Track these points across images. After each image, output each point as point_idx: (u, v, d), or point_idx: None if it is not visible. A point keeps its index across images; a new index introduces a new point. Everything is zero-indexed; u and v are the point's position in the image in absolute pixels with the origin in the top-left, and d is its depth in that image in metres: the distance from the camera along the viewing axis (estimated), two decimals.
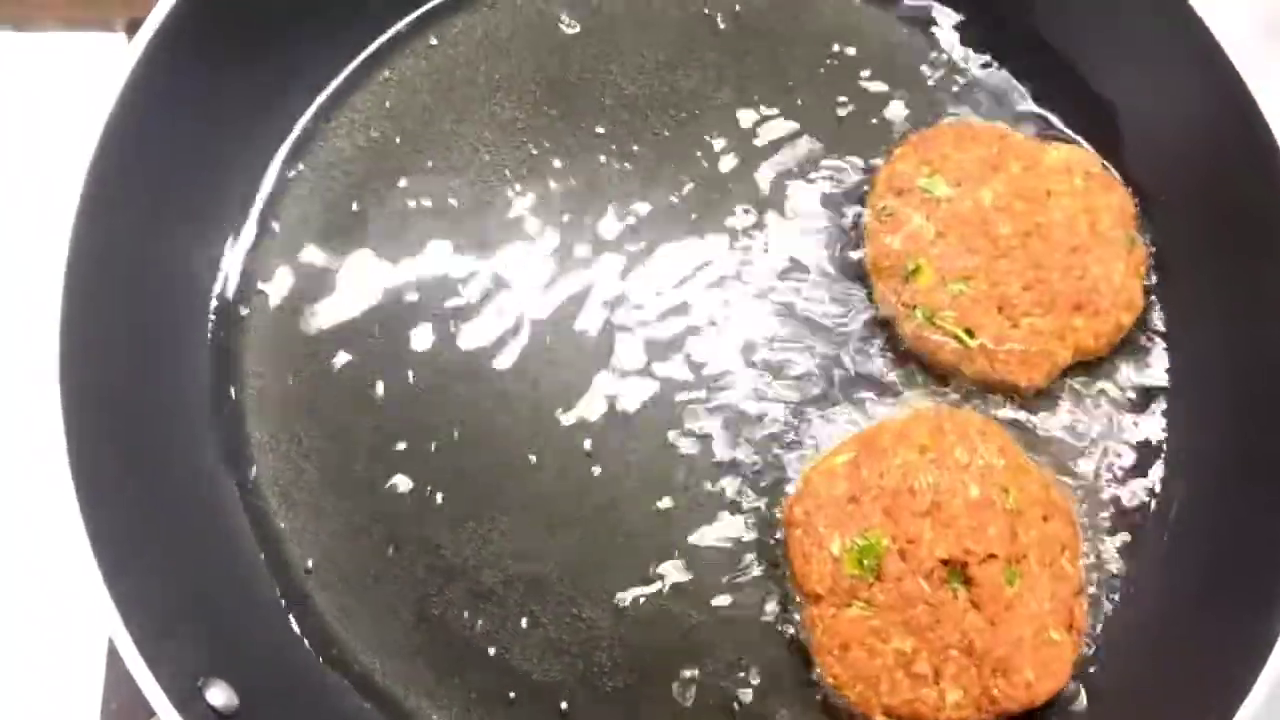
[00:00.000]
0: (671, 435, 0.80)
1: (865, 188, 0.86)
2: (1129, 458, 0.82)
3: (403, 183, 0.85)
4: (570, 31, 0.89)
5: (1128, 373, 0.83)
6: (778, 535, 0.79)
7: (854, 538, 0.75)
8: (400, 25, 0.89)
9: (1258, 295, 0.79)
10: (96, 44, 0.98)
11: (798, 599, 0.77)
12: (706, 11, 0.90)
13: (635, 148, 0.86)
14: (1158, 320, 0.84)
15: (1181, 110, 0.82)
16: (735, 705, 0.76)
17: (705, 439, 0.80)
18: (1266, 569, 0.72)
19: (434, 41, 0.89)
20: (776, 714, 0.76)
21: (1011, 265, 0.80)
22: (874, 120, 0.87)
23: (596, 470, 0.80)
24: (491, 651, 0.77)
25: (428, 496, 0.79)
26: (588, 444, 0.80)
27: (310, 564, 0.78)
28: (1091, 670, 0.77)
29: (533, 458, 0.80)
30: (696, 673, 0.77)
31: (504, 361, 0.82)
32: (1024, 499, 0.76)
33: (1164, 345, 0.84)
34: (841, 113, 0.88)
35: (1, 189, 0.91)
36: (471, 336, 0.82)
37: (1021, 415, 0.82)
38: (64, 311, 0.68)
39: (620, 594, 0.77)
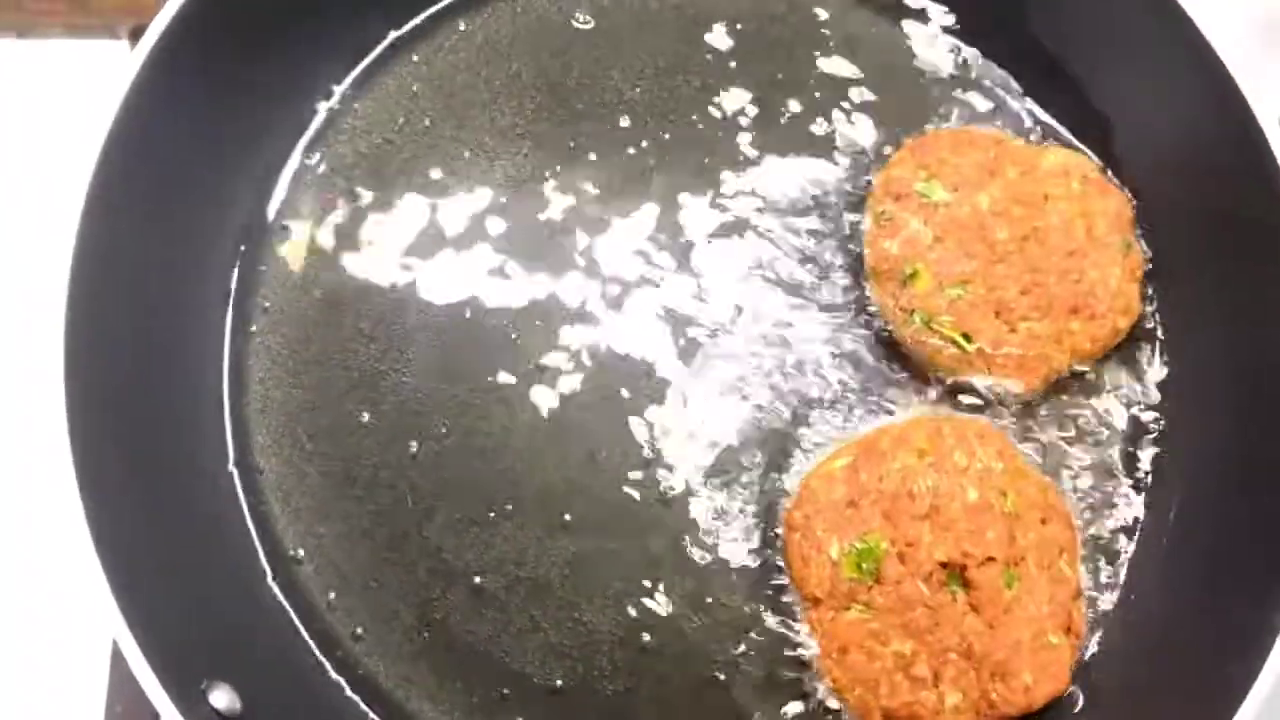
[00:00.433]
0: (674, 440, 0.81)
1: (863, 193, 0.86)
2: (1126, 461, 0.82)
3: (405, 188, 0.86)
4: (574, 32, 0.89)
5: (1124, 376, 0.84)
6: (778, 540, 0.79)
7: (853, 541, 0.75)
8: (401, 32, 0.89)
9: (1254, 298, 0.79)
10: (100, 51, 0.99)
11: (797, 603, 0.78)
12: (706, 18, 0.90)
13: (633, 153, 0.87)
14: (1154, 324, 0.85)
15: (1176, 114, 0.83)
16: (735, 708, 0.76)
17: (707, 445, 0.81)
18: (1264, 571, 0.72)
19: (435, 48, 0.89)
20: (778, 717, 0.76)
21: (1009, 270, 0.81)
22: (872, 126, 0.88)
23: (599, 475, 0.80)
24: (493, 654, 0.77)
25: (431, 501, 0.79)
26: (591, 449, 0.81)
27: (313, 567, 0.78)
28: (1090, 673, 0.78)
29: (536, 463, 0.80)
30: (697, 676, 0.77)
31: (507, 368, 0.82)
32: (1022, 502, 0.76)
33: (1160, 348, 0.85)
34: (839, 118, 0.88)
35: (6, 195, 0.92)
36: (476, 342, 0.82)
37: (1020, 419, 0.82)
38: (68, 315, 0.69)
39: (621, 598, 0.78)
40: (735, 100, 0.88)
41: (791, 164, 0.87)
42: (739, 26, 0.90)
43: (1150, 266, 0.85)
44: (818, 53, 0.90)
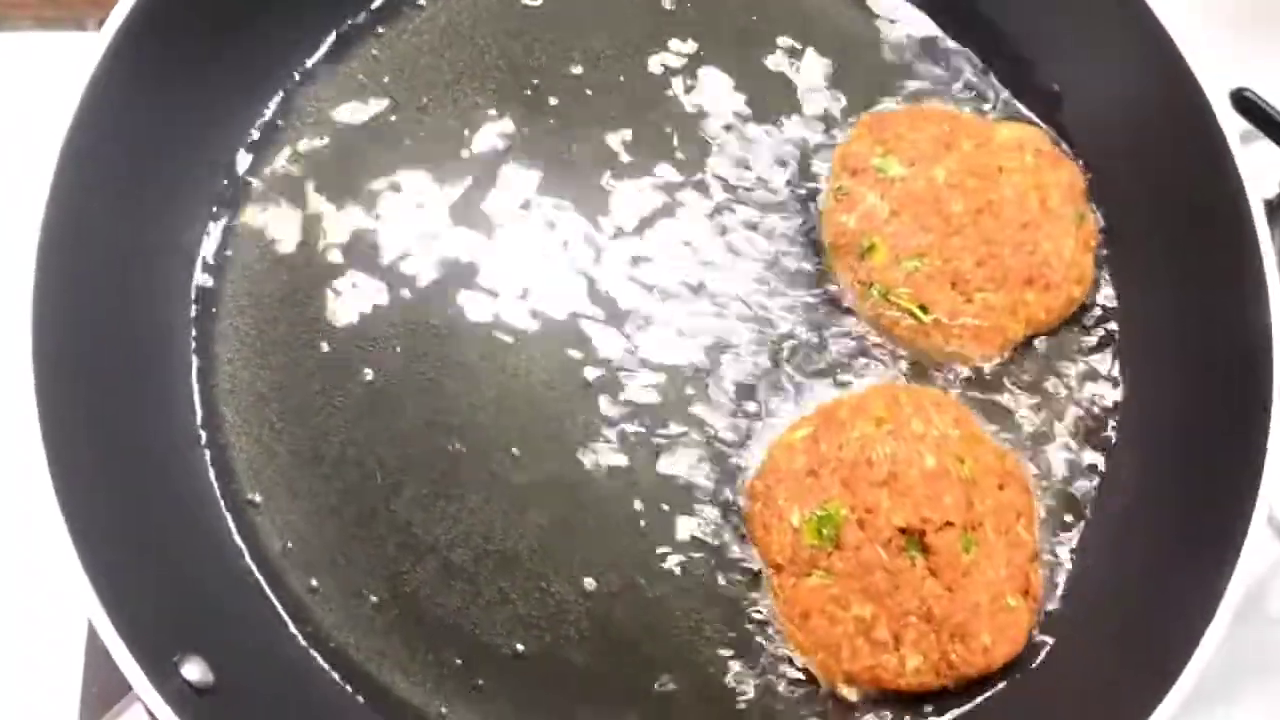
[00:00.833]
0: (634, 412, 0.82)
1: (820, 168, 0.87)
2: (1082, 427, 0.84)
3: (369, 170, 0.87)
4: (535, 12, 0.90)
5: (1080, 344, 0.86)
6: (739, 510, 0.80)
7: (813, 509, 0.77)
8: (362, 16, 0.90)
9: (1205, 267, 0.81)
10: (69, 43, 0.99)
11: (760, 570, 0.79)
12: None
13: (595, 131, 0.88)
14: (1108, 293, 0.87)
15: (1127, 88, 0.84)
16: (702, 678, 0.78)
17: (667, 417, 0.82)
18: (1215, 533, 0.74)
19: (398, 30, 0.90)
20: (742, 684, 0.78)
21: (964, 242, 0.82)
22: (828, 102, 0.89)
23: (562, 448, 0.81)
24: (463, 626, 0.78)
25: (398, 476, 0.81)
26: (554, 423, 0.82)
27: (283, 543, 0.80)
28: (1046, 635, 0.79)
29: (502, 437, 0.81)
30: (664, 645, 0.78)
31: (474, 343, 0.83)
32: (979, 468, 0.78)
33: (1115, 317, 0.86)
34: (797, 96, 0.89)
35: None
36: (442, 320, 0.83)
37: (976, 388, 0.84)
38: (35, 299, 0.70)
39: (587, 569, 0.79)
40: (695, 77, 0.89)
41: (750, 140, 0.88)
42: (697, 4, 0.91)
43: (1104, 237, 0.87)
44: (776, 32, 0.91)
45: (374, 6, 0.90)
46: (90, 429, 0.72)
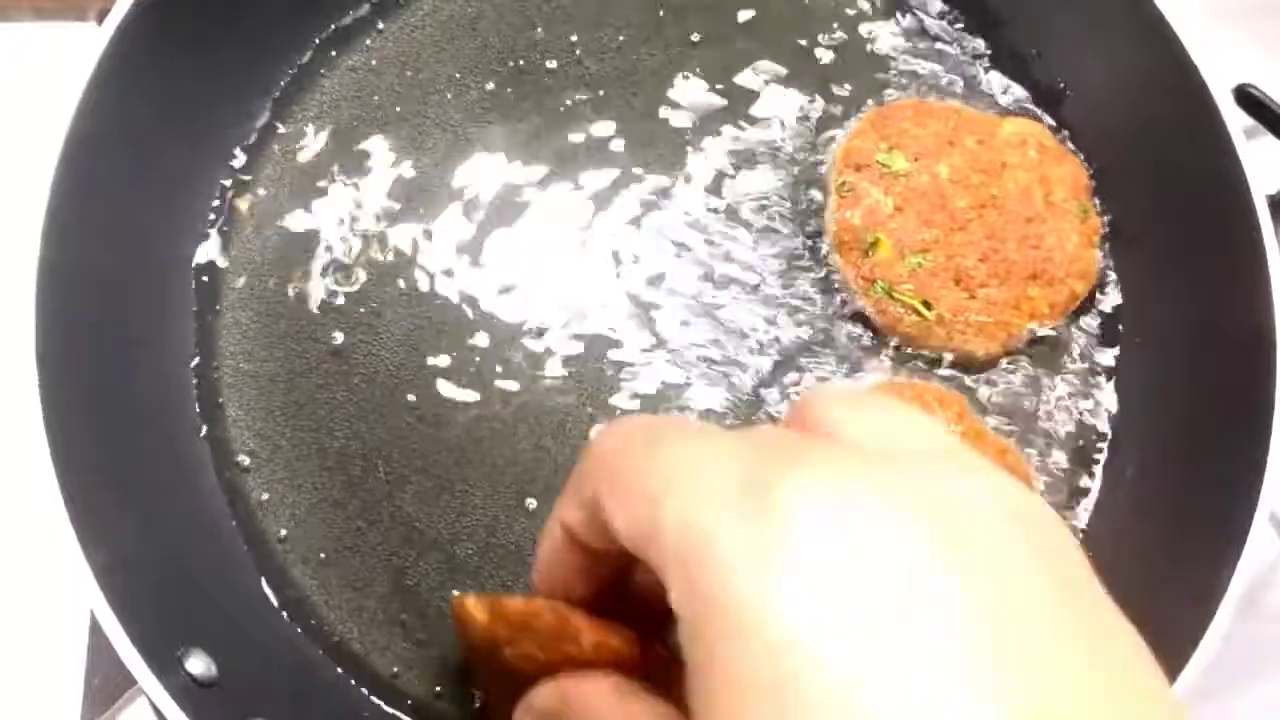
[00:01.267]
0: (640, 409, 0.82)
1: (824, 163, 0.87)
2: (1085, 422, 0.84)
3: (371, 163, 0.86)
4: (538, 6, 0.90)
5: (1083, 340, 0.86)
6: None
7: None
8: (364, 8, 0.90)
9: (1209, 262, 0.81)
10: (69, 33, 0.99)
11: None
12: None
13: (597, 126, 0.88)
14: (1112, 288, 0.87)
15: (1131, 83, 0.84)
16: None
17: (674, 415, 0.82)
18: (1219, 529, 0.74)
19: (400, 24, 0.90)
20: None
21: (968, 237, 0.82)
22: (832, 97, 0.89)
23: (566, 444, 0.81)
24: None
25: (402, 470, 0.81)
26: (560, 418, 0.82)
27: (286, 537, 0.80)
28: None
29: (507, 431, 0.81)
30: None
31: (480, 337, 0.83)
32: None
33: (1118, 312, 0.86)
34: (801, 91, 0.89)
35: None
36: (447, 314, 0.83)
37: (980, 384, 0.84)
38: (39, 291, 0.69)
39: None
40: (699, 71, 0.89)
41: (753, 136, 0.88)
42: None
43: (1107, 232, 0.87)
44: (782, 23, 0.91)
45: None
46: (93, 421, 0.72)
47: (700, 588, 0.38)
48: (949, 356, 0.84)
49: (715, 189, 0.87)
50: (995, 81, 0.90)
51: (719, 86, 0.89)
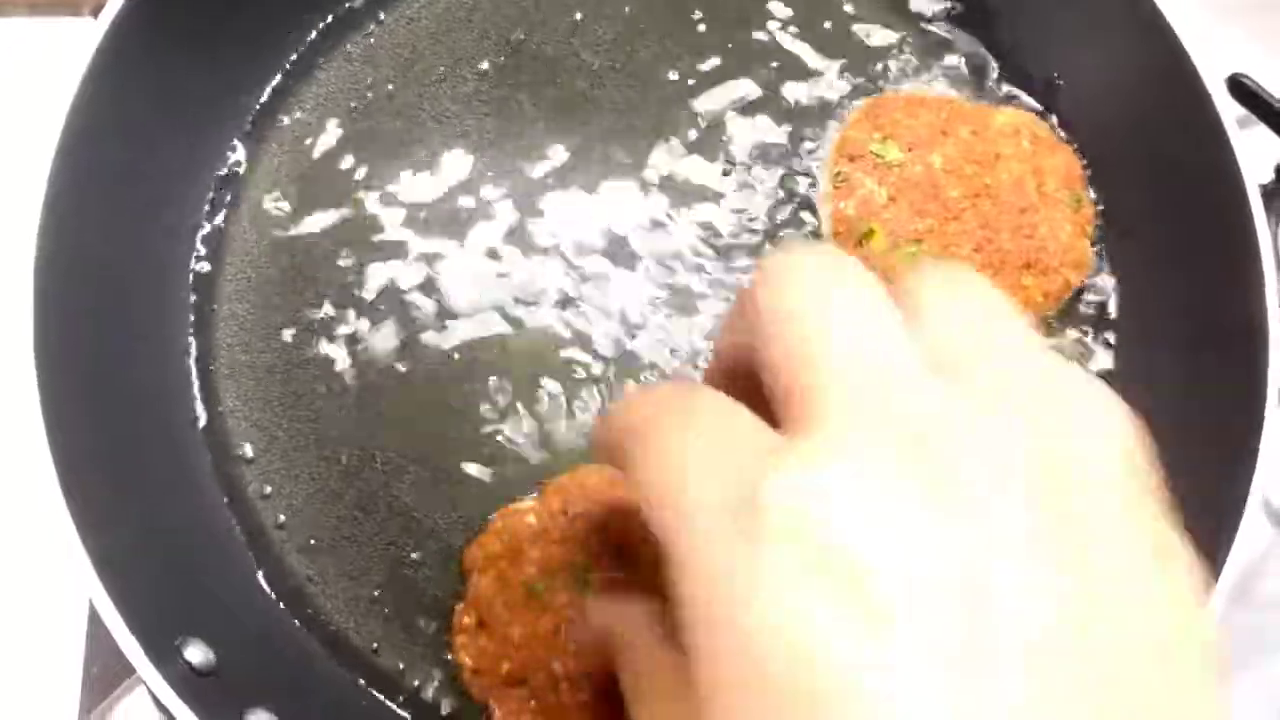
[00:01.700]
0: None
1: (819, 155, 0.88)
2: None
3: (368, 155, 0.87)
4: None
5: (1077, 330, 0.86)
6: None
7: None
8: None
9: (1202, 252, 0.81)
10: (64, 28, 0.99)
11: None
12: None
13: (594, 116, 0.88)
14: (1106, 278, 0.87)
15: (1124, 74, 0.84)
16: None
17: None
18: (1212, 517, 0.74)
19: (397, 15, 0.90)
20: None
21: (962, 227, 0.83)
22: (826, 88, 0.89)
23: (565, 435, 0.82)
24: None
25: (400, 460, 0.81)
26: (559, 404, 0.82)
27: (283, 526, 0.80)
28: None
29: (502, 422, 0.82)
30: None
31: (476, 327, 0.83)
32: None
33: (1111, 302, 0.87)
34: (795, 82, 0.89)
35: None
36: (442, 303, 0.84)
37: None
38: (36, 282, 0.70)
39: None
40: (695, 65, 0.89)
41: (748, 127, 0.88)
42: None
43: (1101, 222, 0.87)
44: (777, 13, 0.91)
45: None
46: (90, 411, 0.72)
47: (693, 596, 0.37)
48: None
49: (710, 180, 0.87)
50: (989, 72, 0.91)
51: (718, 78, 0.89)
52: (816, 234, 0.86)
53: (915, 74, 0.90)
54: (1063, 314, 0.86)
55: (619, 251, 0.85)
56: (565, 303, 0.84)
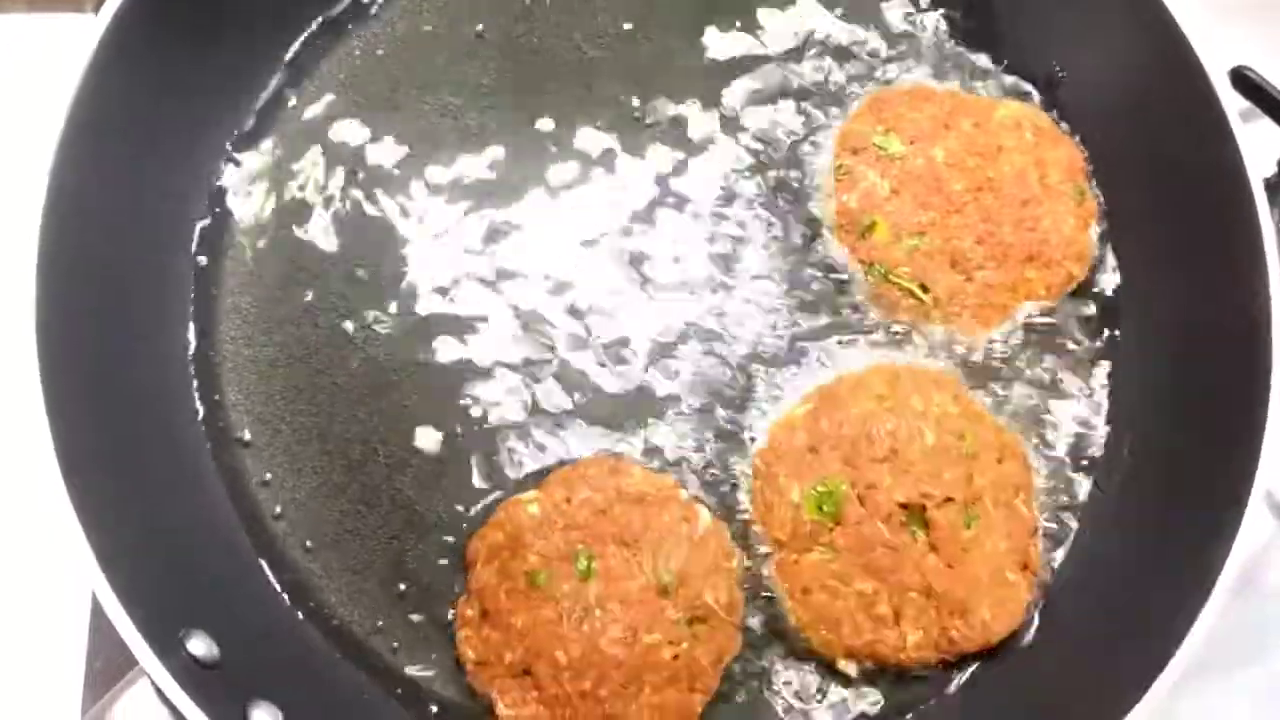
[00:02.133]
0: (638, 393, 0.82)
1: (822, 148, 0.87)
2: (1081, 402, 0.85)
3: (369, 149, 0.87)
4: None
5: (1079, 321, 0.86)
6: (744, 488, 0.81)
7: (814, 485, 0.77)
8: None
9: (1205, 243, 0.81)
10: (66, 25, 0.99)
11: (764, 548, 0.79)
12: None
13: (595, 109, 0.88)
14: (1108, 270, 0.87)
15: (1127, 67, 0.84)
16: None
17: (669, 398, 0.82)
18: (1215, 509, 0.74)
19: (399, 9, 0.90)
20: (744, 659, 0.78)
21: (964, 220, 0.83)
22: (828, 84, 0.89)
23: (568, 429, 0.81)
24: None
25: (403, 454, 0.81)
26: (559, 404, 0.82)
27: (285, 520, 0.80)
28: (1045, 609, 0.80)
29: (509, 415, 0.82)
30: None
31: (476, 322, 0.83)
32: (979, 444, 0.78)
33: (1113, 294, 0.86)
34: (798, 78, 0.89)
35: None
36: (442, 298, 0.84)
37: (976, 365, 0.84)
38: (39, 279, 0.70)
39: None
40: (696, 60, 0.89)
41: (752, 121, 0.88)
42: None
43: (1103, 214, 0.87)
44: (782, 7, 0.91)
45: None
46: (93, 406, 0.72)
47: None
48: (946, 338, 0.84)
49: (714, 173, 0.87)
50: (991, 65, 0.91)
51: (715, 71, 0.89)
52: (820, 226, 0.86)
53: (917, 66, 0.90)
54: (1066, 305, 0.86)
55: (624, 247, 0.85)
56: (575, 312, 0.84)
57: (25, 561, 0.85)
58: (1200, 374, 0.81)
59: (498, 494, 0.80)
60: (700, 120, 0.88)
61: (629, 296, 0.84)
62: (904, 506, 0.76)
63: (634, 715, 0.73)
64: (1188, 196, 0.82)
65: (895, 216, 0.83)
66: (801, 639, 0.78)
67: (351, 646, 0.78)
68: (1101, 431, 0.84)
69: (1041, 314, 0.85)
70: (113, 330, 0.76)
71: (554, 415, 0.82)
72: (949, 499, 0.76)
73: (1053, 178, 0.84)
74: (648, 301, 0.84)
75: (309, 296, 0.84)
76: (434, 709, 0.77)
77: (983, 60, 0.91)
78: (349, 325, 0.83)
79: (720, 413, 0.82)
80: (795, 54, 0.90)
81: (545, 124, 0.87)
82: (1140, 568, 0.78)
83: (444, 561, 0.79)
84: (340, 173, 0.86)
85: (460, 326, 0.83)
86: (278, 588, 0.79)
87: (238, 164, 0.86)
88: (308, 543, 0.80)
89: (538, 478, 0.80)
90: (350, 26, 0.89)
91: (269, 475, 0.81)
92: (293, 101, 0.88)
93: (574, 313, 0.84)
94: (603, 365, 0.83)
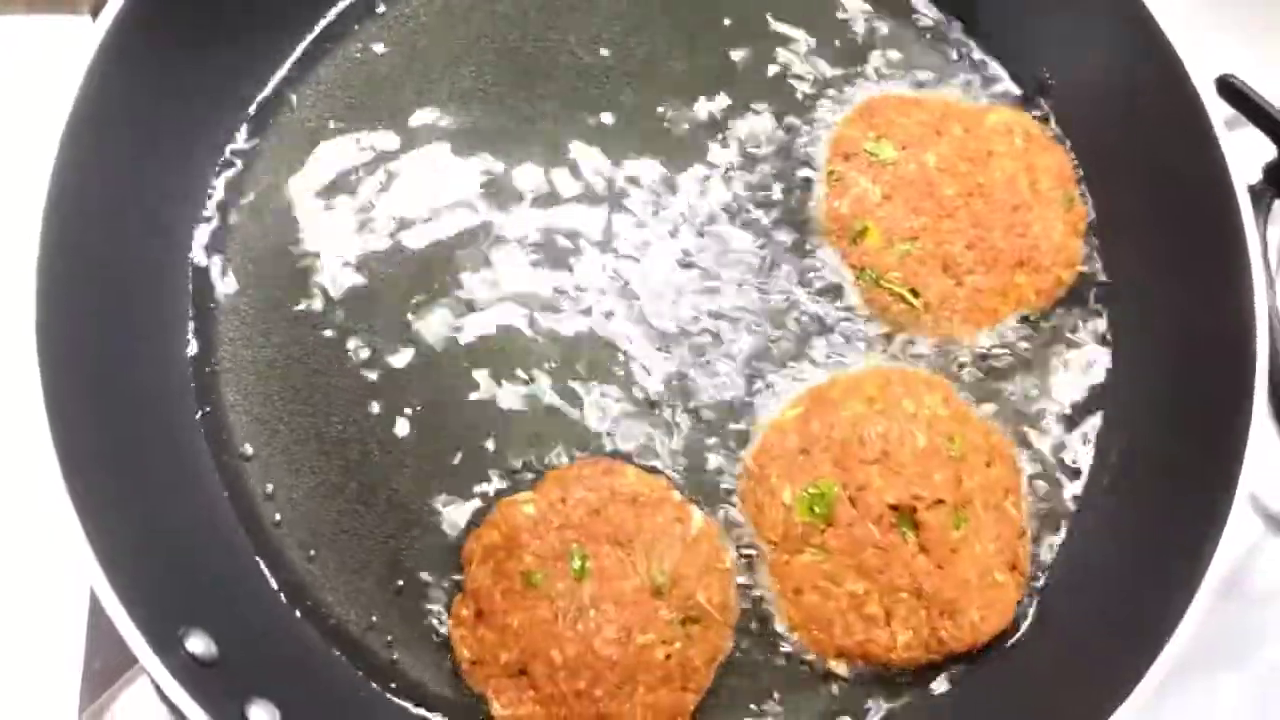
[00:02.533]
0: (632, 393, 0.83)
1: (814, 153, 0.88)
2: (1070, 407, 0.86)
3: (369, 149, 0.87)
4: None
5: (1068, 326, 0.87)
6: (736, 490, 0.82)
7: (805, 487, 0.78)
8: None
9: (1192, 250, 0.82)
10: (63, 26, 0.99)
11: (756, 549, 0.80)
12: None
13: (590, 115, 0.89)
14: (1097, 275, 0.88)
15: (1115, 75, 0.85)
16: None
17: (661, 401, 0.83)
18: (1200, 511, 0.75)
19: (397, 13, 0.91)
20: (738, 658, 0.79)
21: (955, 225, 0.84)
22: (819, 87, 0.90)
23: (562, 431, 0.82)
24: None
25: (399, 454, 0.82)
26: (552, 406, 0.83)
27: (284, 519, 0.81)
28: (1033, 610, 0.81)
29: (501, 414, 0.82)
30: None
31: (469, 331, 0.84)
32: (968, 446, 0.79)
33: (1103, 299, 0.88)
34: (791, 83, 0.90)
35: None
36: (441, 300, 0.84)
37: (967, 369, 0.85)
38: (39, 281, 0.70)
39: None
40: (689, 64, 0.90)
41: (744, 127, 0.89)
42: None
43: (1092, 220, 0.88)
44: (771, 16, 0.92)
45: None
46: (93, 406, 0.73)
47: None
48: (937, 342, 0.85)
49: (706, 177, 0.88)
50: (981, 71, 0.92)
51: (707, 76, 0.90)
52: (811, 232, 0.87)
53: (908, 72, 0.91)
54: (1055, 311, 0.87)
55: (618, 250, 0.86)
56: (568, 316, 0.84)
57: (24, 560, 0.85)
58: (1187, 378, 0.82)
59: (494, 494, 0.81)
60: (692, 124, 0.89)
61: (619, 300, 0.85)
62: (894, 508, 0.77)
63: (628, 714, 0.74)
64: (1174, 203, 0.83)
65: (887, 222, 0.84)
66: (793, 639, 0.79)
67: (348, 645, 0.79)
68: (1089, 434, 0.85)
69: (1031, 319, 0.86)
70: (112, 330, 0.77)
71: (550, 416, 0.82)
72: (939, 501, 0.77)
73: (1043, 183, 0.85)
74: (638, 305, 0.85)
75: (308, 297, 0.84)
76: (430, 708, 0.78)
77: (973, 67, 0.92)
78: (348, 326, 0.84)
79: (712, 415, 0.83)
80: (788, 58, 0.91)
81: (540, 127, 0.88)
82: (1127, 569, 0.79)
83: (440, 561, 0.80)
84: (337, 171, 0.87)
85: (462, 329, 0.84)
86: (275, 587, 0.79)
87: (237, 165, 0.87)
88: (305, 543, 0.80)
89: (535, 479, 0.81)
90: (350, 29, 0.90)
91: (267, 477, 0.81)
92: (293, 103, 0.88)
93: (567, 317, 0.84)
94: (596, 367, 0.83)
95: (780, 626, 0.79)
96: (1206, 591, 0.71)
